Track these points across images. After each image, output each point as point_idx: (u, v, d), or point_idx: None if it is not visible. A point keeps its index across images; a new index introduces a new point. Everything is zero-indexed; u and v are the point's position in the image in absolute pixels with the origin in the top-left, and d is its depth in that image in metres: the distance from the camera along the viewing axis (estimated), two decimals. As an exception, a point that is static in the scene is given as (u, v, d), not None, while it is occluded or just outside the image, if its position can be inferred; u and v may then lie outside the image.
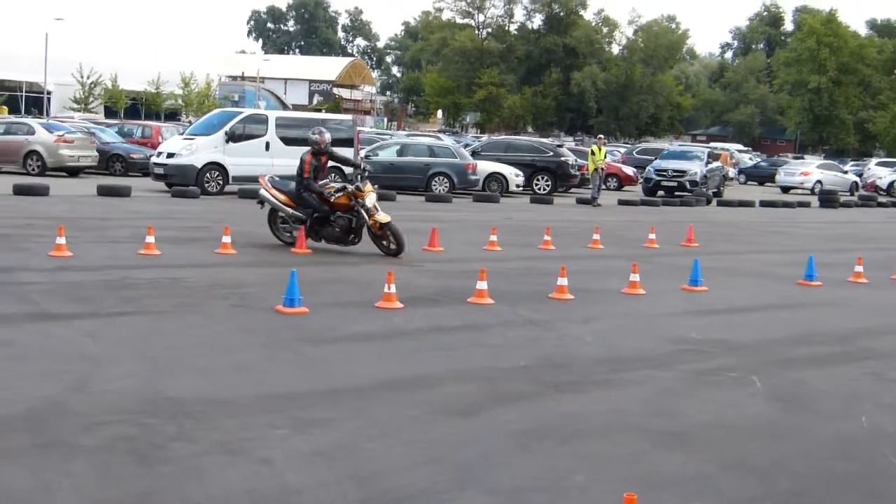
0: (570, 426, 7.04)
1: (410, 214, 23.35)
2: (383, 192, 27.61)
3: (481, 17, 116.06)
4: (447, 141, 42.02)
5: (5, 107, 62.68)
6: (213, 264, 13.93)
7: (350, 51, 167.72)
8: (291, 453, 6.10)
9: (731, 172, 53.42)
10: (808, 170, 50.15)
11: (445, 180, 31.67)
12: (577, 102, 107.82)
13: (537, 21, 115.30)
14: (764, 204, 37.11)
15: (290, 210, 16.05)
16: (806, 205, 38.91)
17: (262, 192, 16.39)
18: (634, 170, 43.37)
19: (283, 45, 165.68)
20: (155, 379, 7.64)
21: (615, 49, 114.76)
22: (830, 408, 8.05)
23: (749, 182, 57.69)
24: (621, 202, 33.22)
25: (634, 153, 50.85)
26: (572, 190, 37.27)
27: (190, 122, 47.64)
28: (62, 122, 40.12)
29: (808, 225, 29.25)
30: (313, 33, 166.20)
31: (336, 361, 8.61)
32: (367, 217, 15.30)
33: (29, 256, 13.55)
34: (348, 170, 20.58)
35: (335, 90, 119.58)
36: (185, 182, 26.12)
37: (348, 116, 37.80)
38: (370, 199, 15.28)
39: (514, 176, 33.80)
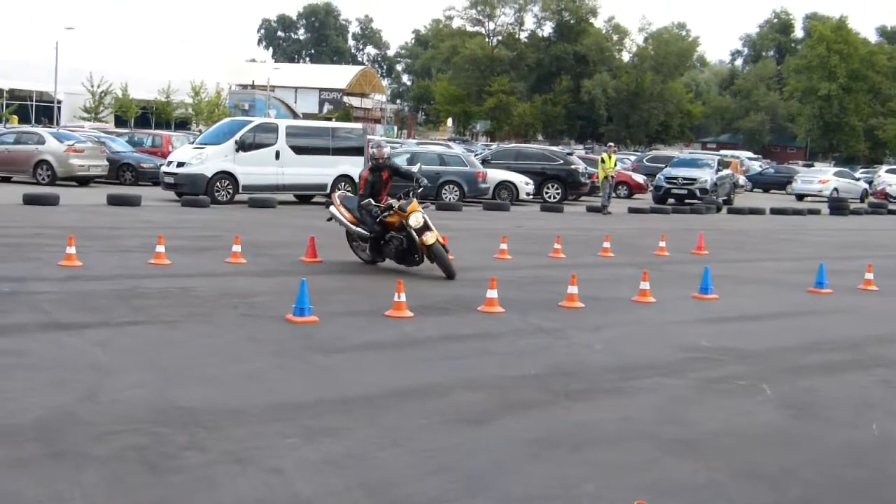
0: (580, 434, 7.03)
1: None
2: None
3: (492, 25, 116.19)
4: (457, 149, 42.02)
5: (15, 116, 62.92)
6: (224, 273, 13.95)
7: (360, 59, 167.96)
8: (302, 462, 6.10)
9: (742, 180, 53.35)
10: (826, 178, 50.11)
11: (456, 189, 31.68)
12: (588, 110, 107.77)
13: (548, 29, 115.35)
14: (774, 211, 37.03)
15: (354, 228, 15.31)
16: (816, 212, 38.85)
17: (332, 208, 15.76)
18: (644, 178, 43.38)
19: (294, 53, 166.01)
20: (165, 388, 7.65)
21: (625, 57, 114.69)
22: (841, 415, 8.02)
23: (755, 189, 57.54)
24: (631, 210, 33.18)
25: (644, 161, 50.87)
26: (583, 198, 37.24)
27: (200, 131, 47.77)
28: (72, 131, 40.22)
29: (818, 232, 29.19)
30: (323, 41, 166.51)
31: (346, 370, 8.61)
32: (416, 237, 14.29)
33: (39, 266, 13.58)
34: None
35: (345, 98, 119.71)
36: (196, 191, 26.18)
37: (359, 125, 37.88)
38: (414, 218, 14.22)
39: (525, 184, 33.84)
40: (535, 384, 8.44)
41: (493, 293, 11.89)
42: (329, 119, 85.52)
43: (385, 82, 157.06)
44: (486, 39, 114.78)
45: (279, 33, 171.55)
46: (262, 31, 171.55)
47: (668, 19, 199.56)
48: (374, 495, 5.65)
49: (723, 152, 71.13)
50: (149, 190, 29.59)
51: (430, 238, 14.21)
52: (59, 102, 70.27)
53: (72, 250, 13.78)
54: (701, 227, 25.48)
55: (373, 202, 14.70)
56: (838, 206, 40.24)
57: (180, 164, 26.97)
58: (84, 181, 31.93)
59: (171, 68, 78.89)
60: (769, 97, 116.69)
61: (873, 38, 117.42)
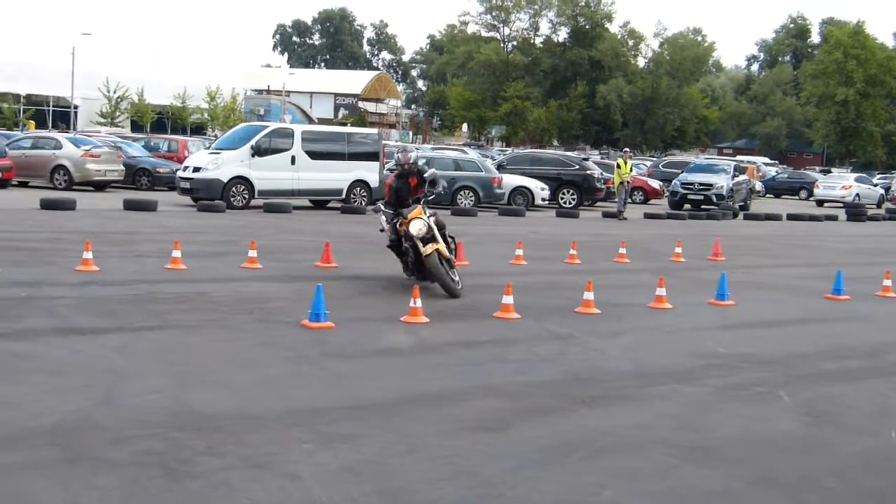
0: (597, 441, 7.01)
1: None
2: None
3: (507, 31, 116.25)
4: (473, 154, 42.03)
5: (32, 121, 63.08)
6: (239, 279, 13.96)
7: (375, 64, 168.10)
8: (318, 468, 6.09)
9: (758, 186, 53.23)
10: (849, 183, 50.04)
11: (471, 194, 31.69)
12: (603, 115, 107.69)
13: (563, 34, 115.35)
14: (791, 217, 36.93)
15: (390, 237, 14.26)
16: (833, 218, 38.71)
17: (381, 216, 14.54)
18: (660, 183, 43.32)
19: (309, 58, 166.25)
20: (182, 393, 7.66)
21: (641, 62, 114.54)
22: (859, 423, 7.98)
23: (766, 195, 57.40)
24: (647, 216, 33.13)
25: (660, 166, 50.80)
26: (598, 203, 37.22)
27: (216, 136, 47.85)
28: (89, 136, 40.34)
29: (835, 238, 29.09)
30: (339, 47, 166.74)
31: (362, 376, 8.60)
32: (420, 247, 13.23)
33: (56, 271, 13.62)
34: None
35: (360, 104, 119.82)
36: (212, 196, 26.23)
37: (374, 130, 37.93)
38: (414, 226, 13.18)
39: (540, 189, 33.82)
40: (552, 391, 8.42)
41: (508, 299, 11.88)
42: (344, 124, 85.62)
43: (400, 87, 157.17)
44: (502, 45, 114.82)
45: (294, 39, 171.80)
46: (278, 36, 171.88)
47: (684, 24, 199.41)
48: (390, 502, 5.64)
49: (739, 158, 70.94)
50: (165, 195, 29.67)
51: (428, 249, 13.06)
52: (75, 107, 70.41)
53: (88, 255, 13.82)
54: (717, 232, 25.43)
55: (382, 207, 14.24)
56: (855, 211, 40.10)
57: (196, 170, 27.04)
58: (101, 186, 32.04)
59: (187, 73, 79.00)
60: (785, 102, 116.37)
61: (890, 42, 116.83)
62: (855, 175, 56.74)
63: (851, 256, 23.06)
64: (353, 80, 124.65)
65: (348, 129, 35.02)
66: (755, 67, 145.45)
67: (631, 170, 33.88)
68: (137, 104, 73.47)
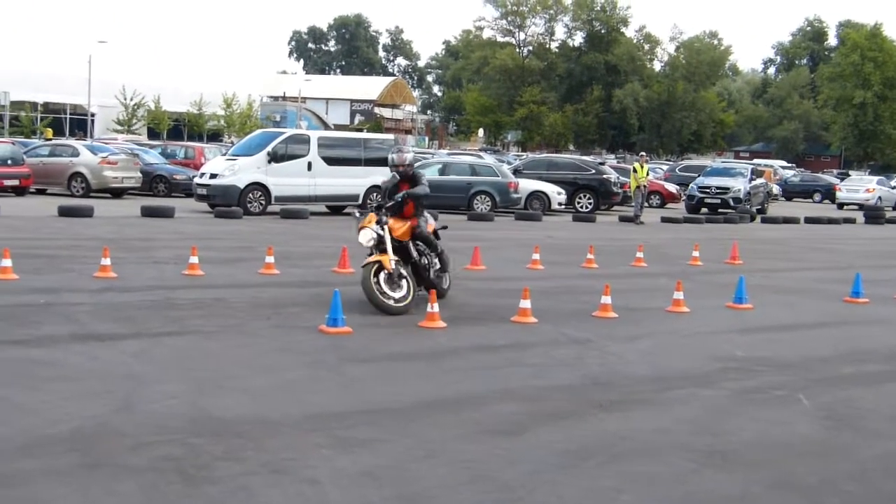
0: (615, 445, 7.00)
1: (453, 233, 23.33)
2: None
3: (522, 36, 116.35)
4: (489, 159, 42.04)
5: (50, 129, 63.39)
6: (257, 284, 13.99)
7: (391, 70, 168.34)
8: (337, 473, 6.10)
9: (775, 189, 53.07)
10: (873, 186, 49.92)
11: (487, 199, 31.68)
12: (619, 120, 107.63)
13: (578, 39, 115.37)
14: (809, 220, 36.81)
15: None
16: (851, 221, 38.56)
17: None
18: (677, 187, 43.23)
19: (325, 65, 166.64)
20: (200, 399, 7.67)
21: (657, 66, 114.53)
22: (879, 426, 7.94)
23: (779, 198, 57.17)
24: (664, 220, 33.04)
25: (677, 170, 50.73)
26: (615, 208, 37.17)
27: (232, 143, 48.00)
28: (106, 143, 40.54)
29: (854, 241, 28.97)
30: (354, 53, 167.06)
31: (380, 381, 8.60)
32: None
33: (74, 278, 13.67)
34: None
35: (376, 110, 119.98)
36: (228, 202, 26.31)
37: (390, 136, 37.96)
38: (361, 236, 12.31)
39: (557, 194, 33.79)
40: (569, 395, 8.41)
41: (526, 303, 11.87)
42: (360, 130, 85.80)
43: (416, 93, 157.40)
44: (517, 50, 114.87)
45: (310, 45, 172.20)
46: (293, 43, 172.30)
47: (700, 28, 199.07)
48: (408, 506, 5.64)
49: (756, 161, 70.74)
50: (182, 201, 29.75)
51: (368, 259, 12.09)
52: (92, 115, 70.82)
53: (106, 262, 13.87)
54: (734, 236, 25.35)
55: (358, 212, 13.33)
56: (874, 214, 39.94)
57: (213, 176, 27.11)
58: (118, 193, 32.15)
59: (203, 80, 79.46)
60: (802, 105, 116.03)
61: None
62: (877, 178, 56.58)
63: (870, 259, 22.95)
64: (369, 86, 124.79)
65: (364, 134, 35.13)
66: (772, 71, 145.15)
67: (647, 174, 33.83)
68: (154, 111, 73.82)
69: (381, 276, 11.87)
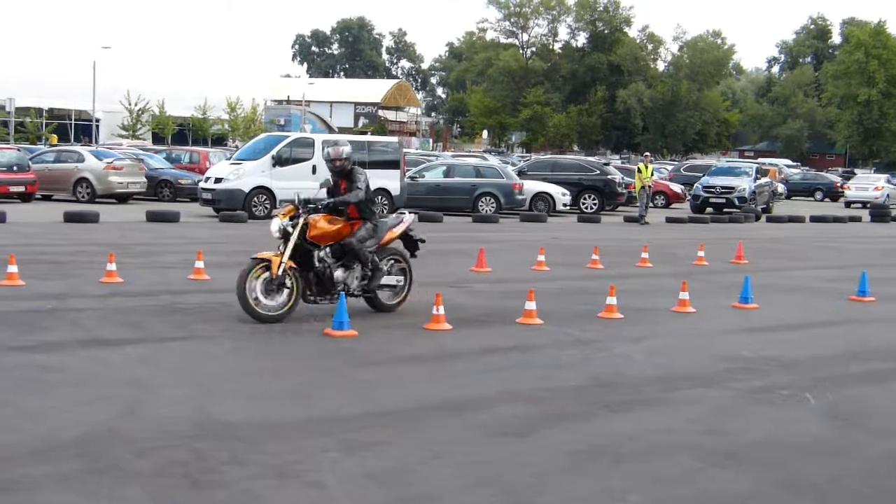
0: (622, 446, 6.99)
1: (457, 235, 23.40)
2: (430, 213, 27.66)
3: (525, 37, 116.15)
4: (493, 161, 42.01)
5: (55, 135, 63.48)
6: (263, 288, 13.95)
7: (394, 73, 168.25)
8: (343, 476, 6.09)
9: (780, 188, 52.99)
10: (882, 184, 49.88)
11: (492, 200, 31.66)
12: (623, 120, 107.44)
13: (582, 39, 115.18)
14: (814, 219, 36.76)
15: None
16: (857, 219, 38.50)
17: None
18: (682, 187, 43.14)
19: (328, 68, 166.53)
20: (206, 403, 7.67)
21: (660, 66, 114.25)
22: (886, 425, 7.93)
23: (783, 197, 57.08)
24: (669, 220, 33.01)
25: (681, 170, 50.60)
26: (619, 208, 37.14)
27: (237, 147, 47.99)
28: (111, 149, 40.53)
29: (859, 240, 28.93)
30: (358, 56, 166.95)
31: (386, 384, 8.60)
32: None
33: (80, 283, 13.68)
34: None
35: (380, 112, 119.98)
36: (233, 206, 26.30)
37: (394, 138, 37.93)
38: (272, 224, 11.79)
39: (561, 195, 33.77)
40: (576, 396, 8.40)
41: (531, 305, 11.86)
42: (365, 133, 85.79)
43: (420, 95, 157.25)
44: (521, 51, 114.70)
45: (313, 48, 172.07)
46: (297, 46, 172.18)
47: (703, 27, 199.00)
48: (415, 509, 5.64)
49: (761, 160, 70.63)
50: (187, 206, 29.74)
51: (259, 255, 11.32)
52: (97, 121, 70.87)
53: (112, 267, 13.88)
54: (740, 235, 25.33)
55: (309, 201, 12.03)
56: (880, 213, 39.88)
57: (218, 180, 27.10)
58: (123, 198, 32.15)
59: (207, 85, 79.38)
60: (807, 104, 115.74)
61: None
62: (885, 176, 56.47)
63: (876, 258, 22.91)
64: (373, 89, 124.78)
65: (369, 137, 35.06)
66: (776, 69, 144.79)
67: (652, 174, 33.78)
68: (158, 116, 73.92)
69: (263, 278, 11.08)
